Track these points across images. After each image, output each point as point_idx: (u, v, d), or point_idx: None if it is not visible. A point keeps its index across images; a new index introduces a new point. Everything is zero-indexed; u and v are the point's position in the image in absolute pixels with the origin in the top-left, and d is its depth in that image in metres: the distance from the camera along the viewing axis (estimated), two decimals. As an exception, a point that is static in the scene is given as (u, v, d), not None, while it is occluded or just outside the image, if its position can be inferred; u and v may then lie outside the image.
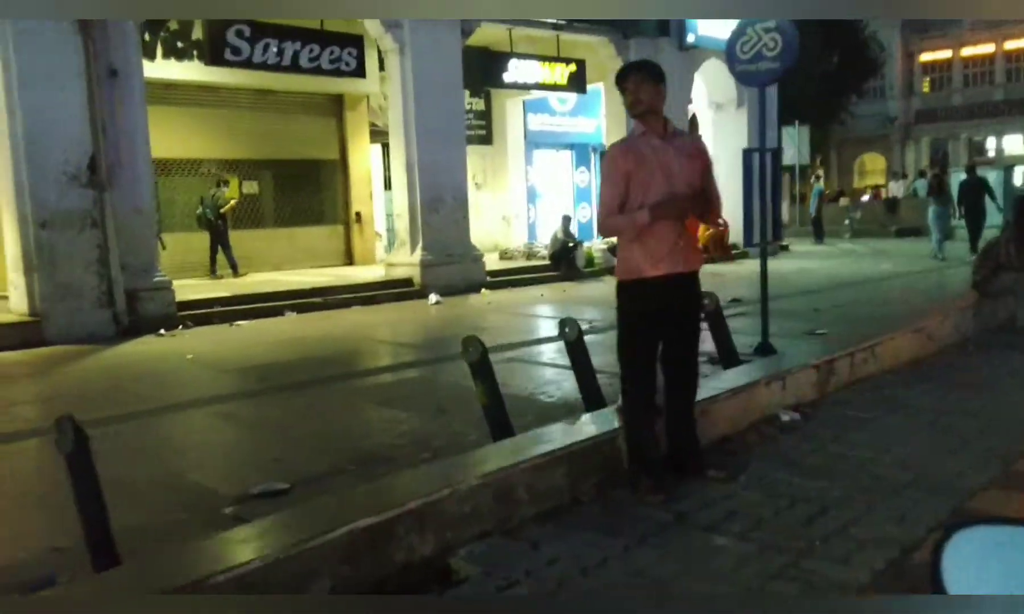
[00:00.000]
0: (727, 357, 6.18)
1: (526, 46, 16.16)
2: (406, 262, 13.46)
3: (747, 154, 7.19)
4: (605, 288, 14.11)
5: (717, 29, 17.16)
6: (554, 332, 8.26)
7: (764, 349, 7.07)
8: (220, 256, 14.36)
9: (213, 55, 11.18)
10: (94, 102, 9.58)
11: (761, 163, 7.26)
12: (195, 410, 6.20)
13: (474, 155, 19.72)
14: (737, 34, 7.00)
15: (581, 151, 21.50)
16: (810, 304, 10.51)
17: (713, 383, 5.19)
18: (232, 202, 14.71)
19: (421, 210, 13.35)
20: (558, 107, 20.76)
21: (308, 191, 16.57)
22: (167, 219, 14.81)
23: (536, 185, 20.42)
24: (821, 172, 27.55)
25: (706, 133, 19.77)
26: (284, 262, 15.61)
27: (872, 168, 46.80)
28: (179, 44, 13.74)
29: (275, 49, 11.61)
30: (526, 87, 16.11)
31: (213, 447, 5.31)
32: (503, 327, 9.89)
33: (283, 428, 5.62)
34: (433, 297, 12.35)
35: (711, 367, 6.23)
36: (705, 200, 3.96)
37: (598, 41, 16.26)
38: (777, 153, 7.66)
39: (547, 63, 15.76)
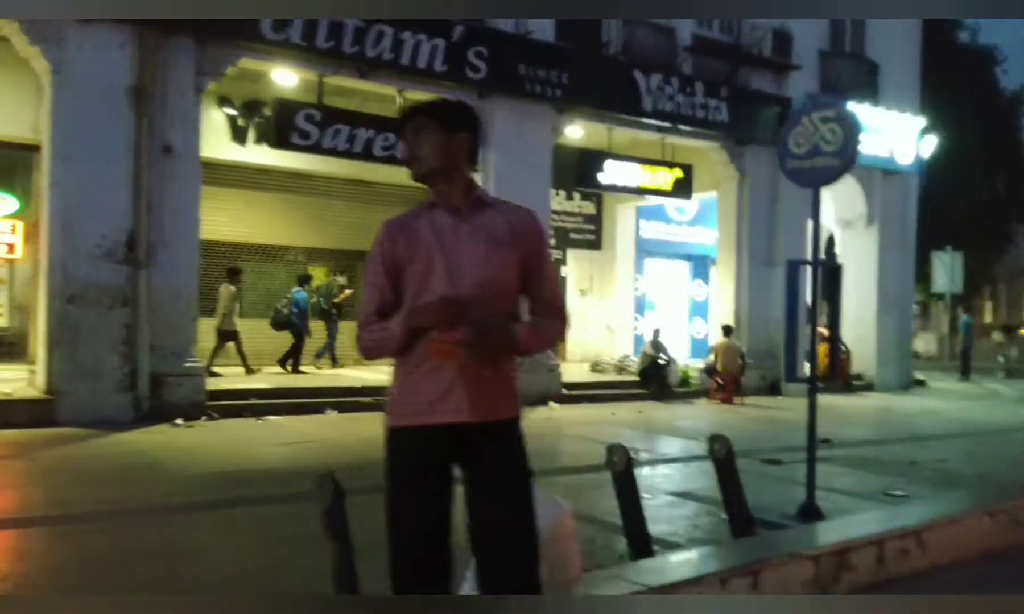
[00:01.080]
0: (740, 523, 4.78)
1: (629, 149, 15.25)
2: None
3: (792, 266, 5.82)
4: (694, 412, 12.61)
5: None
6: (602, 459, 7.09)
7: (807, 512, 5.58)
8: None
9: (279, 138, 10.90)
10: (141, 178, 9.36)
11: (814, 277, 5.87)
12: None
13: (581, 260, 18.89)
14: (791, 125, 5.78)
15: (699, 263, 20.17)
16: (912, 454, 8.69)
17: (630, 573, 3.79)
18: (347, 293, 14.49)
19: (491, 312, 12.45)
20: (675, 216, 19.62)
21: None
22: (255, 305, 14.66)
23: (647, 295, 19.16)
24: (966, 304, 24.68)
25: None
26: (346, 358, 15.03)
27: (1047, 303, 42.30)
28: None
29: (345, 135, 11.21)
30: (625, 191, 15.13)
31: None
32: (543, 449, 8.67)
33: (119, 560, 4.64)
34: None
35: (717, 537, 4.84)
36: (516, 312, 2.58)
37: (708, 146, 15.14)
38: (835, 270, 6.25)
39: (649, 166, 14.71)
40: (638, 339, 19.09)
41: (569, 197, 18.20)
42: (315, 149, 11.22)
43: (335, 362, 14.29)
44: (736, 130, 14.90)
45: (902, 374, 17.39)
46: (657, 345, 14.18)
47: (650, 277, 19.46)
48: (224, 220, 14.26)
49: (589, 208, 18.71)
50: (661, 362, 14.00)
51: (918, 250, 18.45)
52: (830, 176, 5.72)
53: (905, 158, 16.89)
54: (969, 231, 25.57)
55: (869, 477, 7.45)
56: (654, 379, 13.91)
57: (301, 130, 10.98)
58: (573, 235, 18.48)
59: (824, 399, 15.06)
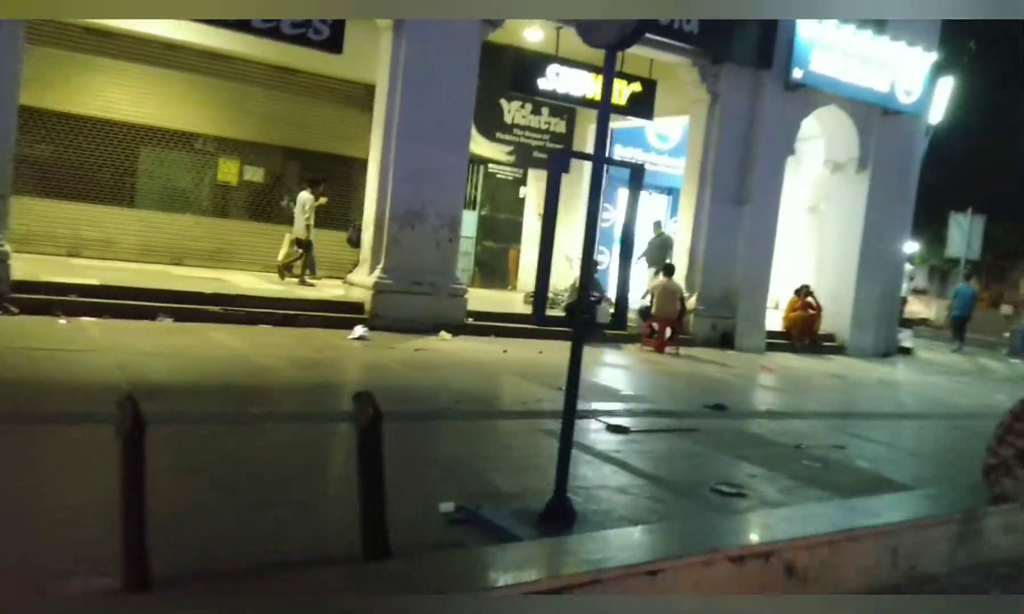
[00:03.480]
0: (372, 534, 3.26)
1: (589, 58, 13.43)
2: (362, 284, 11.11)
3: (556, 161, 4.15)
4: (605, 358, 11.13)
5: (836, 66, 13.71)
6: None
7: (552, 513, 4.14)
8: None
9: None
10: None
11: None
12: None
13: (540, 182, 17.21)
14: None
15: (679, 197, 18.39)
16: (811, 435, 7.12)
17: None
18: (322, 200, 13.00)
19: (389, 224, 10.97)
20: (656, 143, 17.79)
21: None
22: (148, 194, 13.35)
23: (618, 227, 17.49)
24: (968, 270, 22.43)
25: (821, 198, 16.18)
26: (272, 264, 13.67)
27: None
28: None
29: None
30: (568, 101, 13.39)
31: None
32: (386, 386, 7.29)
33: None
34: (358, 330, 9.89)
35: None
36: None
37: (678, 62, 13.27)
38: (638, 170, 4.58)
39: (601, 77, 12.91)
40: (601, 274, 17.51)
41: (535, 111, 16.46)
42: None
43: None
44: (710, 45, 13.00)
45: (881, 339, 15.62)
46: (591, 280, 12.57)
47: (623, 208, 17.73)
48: (122, 97, 12.89)
49: (558, 126, 16.94)
50: (590, 298, 12.41)
51: (935, 209, 16.47)
52: (622, 33, 4.09)
53: (908, 97, 14.84)
54: (1007, 195, 23.31)
55: (718, 461, 5.95)
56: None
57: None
58: (537, 154, 16.77)
59: (779, 359, 13.57)
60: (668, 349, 12.19)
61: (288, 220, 13.16)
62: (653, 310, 12.25)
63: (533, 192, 17.12)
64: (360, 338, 9.76)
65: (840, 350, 15.13)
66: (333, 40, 10.55)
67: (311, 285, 12.51)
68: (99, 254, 12.61)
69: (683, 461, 5.86)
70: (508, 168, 17.03)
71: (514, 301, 14.56)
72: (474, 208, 16.85)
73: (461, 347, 10.24)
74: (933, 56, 15.07)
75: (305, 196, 12.74)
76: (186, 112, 13.35)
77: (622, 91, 13.17)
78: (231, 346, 8.43)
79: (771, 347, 14.22)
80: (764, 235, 14.12)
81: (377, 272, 10.93)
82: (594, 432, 6.37)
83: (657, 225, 15.85)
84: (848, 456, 6.50)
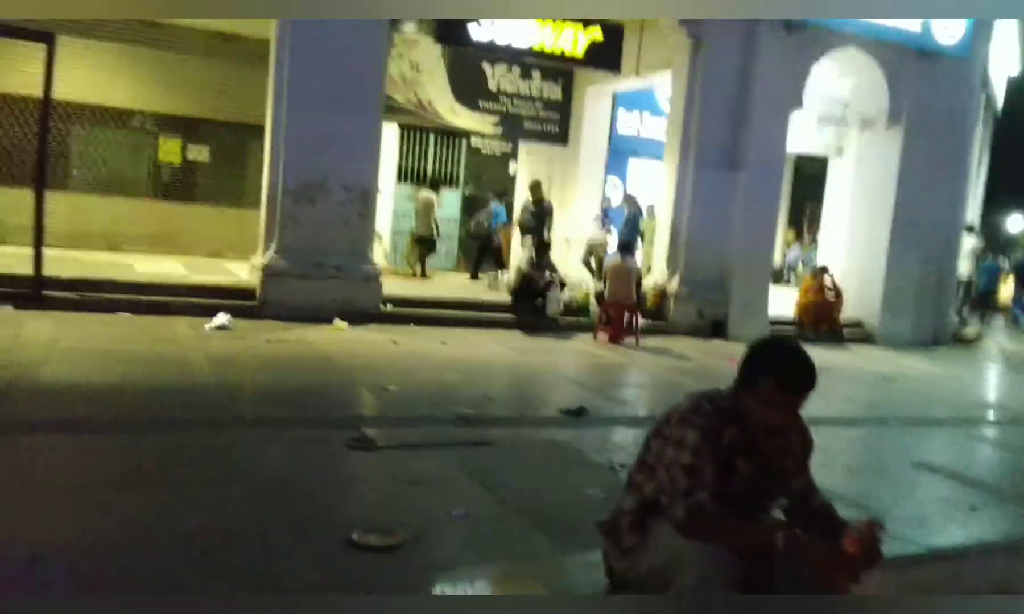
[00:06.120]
0: None
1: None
2: (258, 266, 9.84)
3: None
4: (536, 349, 9.50)
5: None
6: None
7: None
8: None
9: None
10: None
11: None
12: None
13: (537, 156, 15.59)
14: None
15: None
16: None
17: None
18: None
19: (283, 199, 9.65)
20: (667, 107, 15.79)
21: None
22: (79, 174, 12.57)
23: (613, 203, 15.58)
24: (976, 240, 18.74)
25: (847, 160, 13.86)
26: (192, 247, 12.59)
27: None
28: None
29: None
30: (509, 53, 11.64)
31: None
32: (168, 387, 6.00)
33: None
34: (220, 318, 8.58)
35: None
36: None
37: (654, 5, 11.35)
38: None
39: (552, 22, 11.11)
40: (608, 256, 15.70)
41: (525, 75, 14.85)
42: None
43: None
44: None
45: (923, 326, 13.14)
46: (541, 261, 10.91)
47: (630, 182, 15.83)
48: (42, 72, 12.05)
49: (554, 92, 15.25)
50: (541, 282, 10.75)
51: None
52: None
53: (949, 37, 12.36)
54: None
55: (453, 489, 4.29)
56: (525, 303, 10.73)
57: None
58: (529, 124, 15.14)
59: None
60: (628, 340, 10.39)
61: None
62: (606, 294, 10.46)
63: (524, 167, 15.49)
64: (221, 327, 8.48)
65: (867, 339, 12.84)
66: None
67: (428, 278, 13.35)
68: (26, 241, 11.86)
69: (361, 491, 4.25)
70: (495, 141, 15.47)
71: (479, 288, 13.00)
72: (456, 186, 15.39)
73: (345, 338, 8.82)
74: (980, -15, 12.51)
75: (428, 195, 13.66)
76: (120, 87, 12.46)
77: (576, 39, 11.35)
78: (43, 335, 7.32)
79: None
80: (764, 205, 12.04)
81: (270, 253, 9.64)
82: (334, 447, 4.82)
83: (631, 200, 14.05)
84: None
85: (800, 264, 21.38)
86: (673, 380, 8.48)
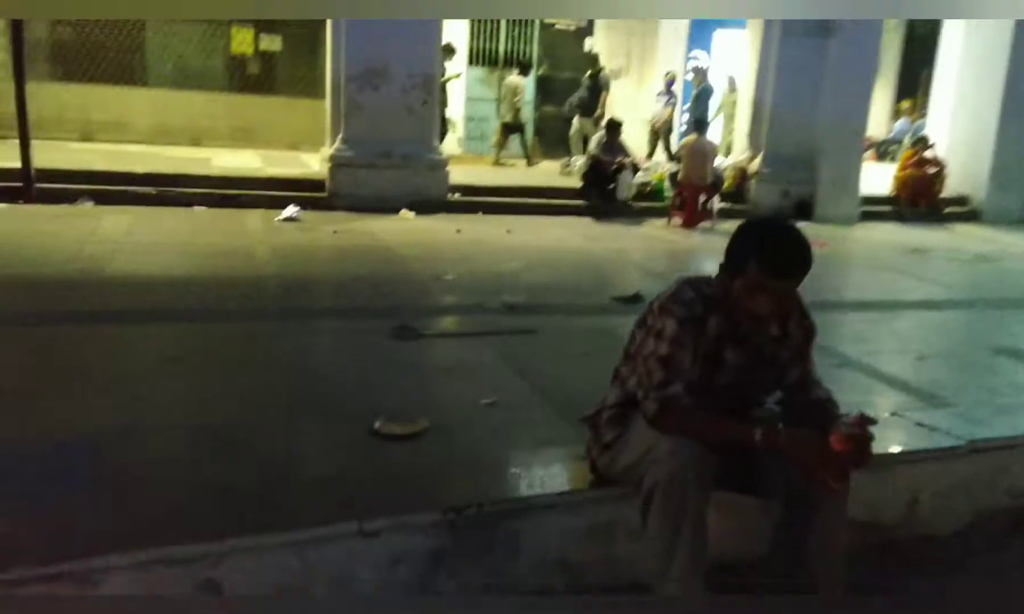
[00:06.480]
0: None
1: None
2: (323, 157, 9.84)
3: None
4: (616, 236, 9.28)
5: None
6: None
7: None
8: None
9: None
10: None
11: None
12: None
13: (614, 30, 14.91)
14: None
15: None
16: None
17: None
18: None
19: (347, 86, 9.54)
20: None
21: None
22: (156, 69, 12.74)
23: (694, 79, 14.83)
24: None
25: (958, 20, 12.70)
26: (270, 139, 12.71)
27: None
28: None
29: None
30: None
31: None
32: (217, 278, 6.15)
33: None
34: (289, 210, 8.67)
35: None
36: None
37: None
38: None
39: None
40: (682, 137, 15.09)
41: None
42: None
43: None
44: None
45: (1034, 202, 12.24)
46: (610, 142, 10.53)
47: (717, 56, 15.01)
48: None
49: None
50: (613, 168, 10.39)
51: None
52: None
53: None
54: None
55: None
56: (595, 188, 10.43)
57: None
58: (607, -3, 14.42)
59: (874, 232, 10.86)
60: (704, 223, 10.02)
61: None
62: (680, 175, 10.05)
63: (602, 43, 14.84)
64: (290, 219, 8.57)
65: (972, 216, 12.02)
66: None
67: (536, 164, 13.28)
68: (113, 137, 12.22)
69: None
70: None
71: (552, 173, 12.70)
72: (529, 69, 14.93)
73: (409, 228, 8.80)
74: None
75: (515, 80, 13.10)
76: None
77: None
78: (119, 230, 7.56)
79: (871, 216, 11.49)
80: (859, 75, 11.20)
81: (337, 143, 9.61)
82: (377, 337, 4.82)
83: (700, 72, 13.30)
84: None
85: (907, 137, 20.03)
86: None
